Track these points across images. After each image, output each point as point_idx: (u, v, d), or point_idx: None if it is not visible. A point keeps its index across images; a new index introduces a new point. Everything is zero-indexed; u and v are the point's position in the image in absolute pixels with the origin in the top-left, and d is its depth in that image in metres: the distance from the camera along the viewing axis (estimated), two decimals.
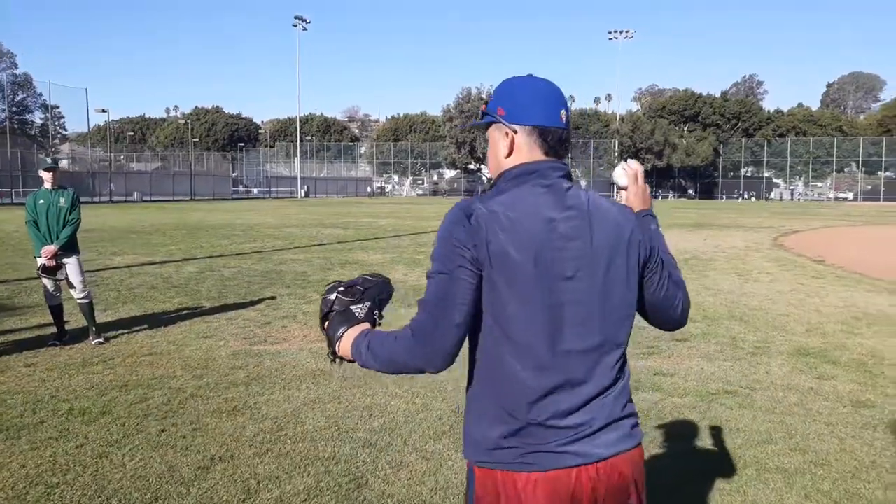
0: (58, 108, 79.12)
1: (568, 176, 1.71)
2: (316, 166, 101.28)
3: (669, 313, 1.83)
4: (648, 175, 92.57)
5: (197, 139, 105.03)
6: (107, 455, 4.15)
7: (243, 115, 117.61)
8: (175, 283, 11.01)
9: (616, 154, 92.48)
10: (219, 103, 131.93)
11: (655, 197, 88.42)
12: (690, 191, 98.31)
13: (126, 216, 31.93)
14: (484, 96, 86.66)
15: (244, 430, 4.58)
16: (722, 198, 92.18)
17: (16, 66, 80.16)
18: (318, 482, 3.82)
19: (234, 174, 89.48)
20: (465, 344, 1.67)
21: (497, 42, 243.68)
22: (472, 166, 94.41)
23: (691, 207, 56.31)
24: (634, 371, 6.12)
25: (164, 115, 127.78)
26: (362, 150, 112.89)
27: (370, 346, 1.68)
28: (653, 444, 4.51)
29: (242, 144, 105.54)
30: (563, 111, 1.72)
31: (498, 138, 1.74)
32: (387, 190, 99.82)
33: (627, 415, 1.71)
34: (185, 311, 8.72)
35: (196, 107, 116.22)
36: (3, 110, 77.32)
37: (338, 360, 1.80)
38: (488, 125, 1.77)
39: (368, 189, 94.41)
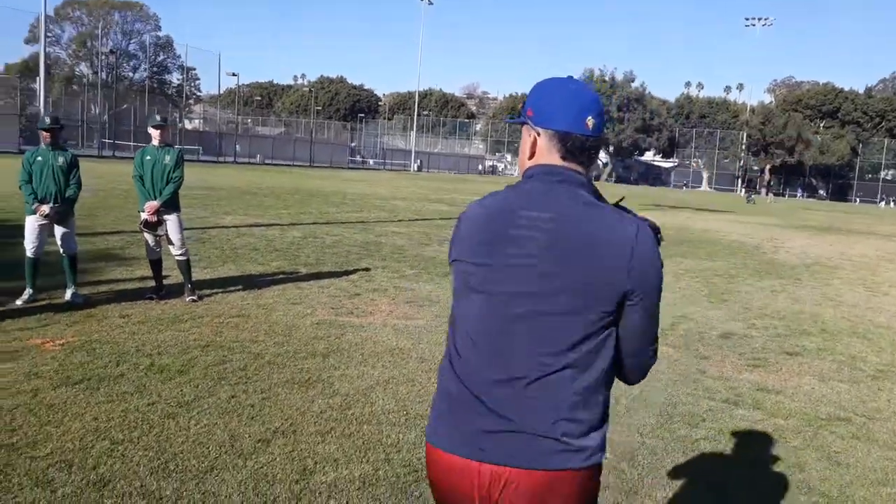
0: (194, 70, 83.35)
1: (571, 181, 1.67)
2: (431, 141, 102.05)
3: (622, 356, 1.71)
4: (777, 171, 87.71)
5: (320, 107, 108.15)
6: (174, 416, 4.15)
7: (365, 87, 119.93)
8: (277, 247, 11.22)
9: (743, 146, 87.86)
10: (343, 73, 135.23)
11: (782, 195, 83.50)
12: (821, 191, 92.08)
13: (246, 177, 33.21)
14: (607, 78, 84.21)
15: (312, 405, 4.49)
16: (856, 201, 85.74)
17: (159, 28, 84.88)
18: (376, 470, 3.66)
19: (353, 144, 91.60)
20: None
21: (625, 23, 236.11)
22: None
23: (821, 209, 52.73)
24: (735, 383, 5.61)
25: (291, 83, 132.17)
26: (477, 127, 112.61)
27: None
28: (746, 469, 4.07)
29: (362, 115, 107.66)
30: (590, 118, 1.69)
31: (525, 138, 1.77)
32: (498, 169, 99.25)
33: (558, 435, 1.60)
34: (280, 276, 8.83)
35: (321, 76, 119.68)
36: (146, 70, 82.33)
37: None
38: (523, 123, 1.78)
39: (480, 167, 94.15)
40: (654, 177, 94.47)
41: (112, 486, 3.30)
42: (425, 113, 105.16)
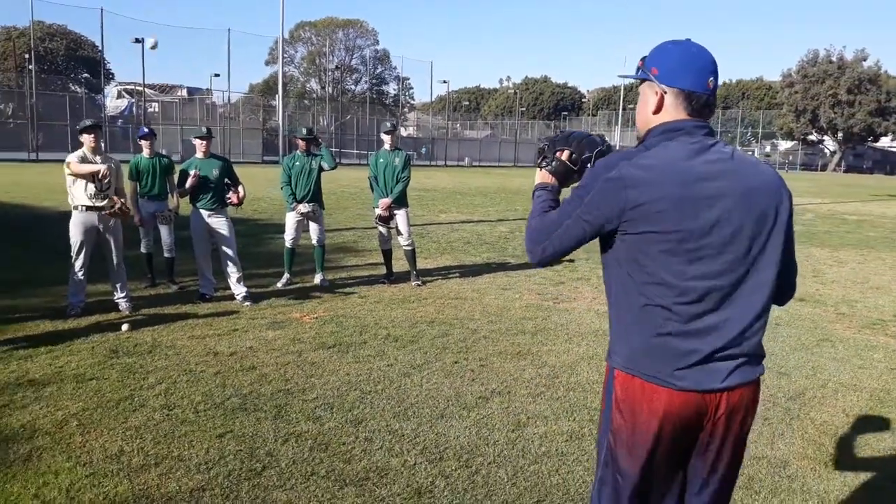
0: (408, 79, 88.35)
1: (711, 133, 1.88)
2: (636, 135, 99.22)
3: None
4: None
5: (524, 108, 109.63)
6: (409, 375, 4.93)
7: (569, 85, 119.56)
8: (487, 241, 12.02)
9: None
10: (547, 73, 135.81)
11: None
12: None
13: (455, 179, 34.92)
14: (834, 59, 76.77)
15: (524, 373, 5.06)
16: None
17: (377, 42, 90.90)
18: (582, 427, 4.13)
19: None
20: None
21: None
22: (812, 137, 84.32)
23: None
24: None
25: (497, 86, 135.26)
26: None
27: (542, 197, 2.10)
28: None
29: (566, 113, 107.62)
30: (711, 79, 1.86)
31: (648, 95, 1.93)
32: None
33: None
34: (492, 265, 9.56)
35: (526, 77, 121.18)
36: (366, 82, 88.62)
37: (553, 162, 2.18)
38: (642, 81, 1.93)
39: None
40: (891, 164, 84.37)
41: (364, 424, 4.09)
42: (630, 107, 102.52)
